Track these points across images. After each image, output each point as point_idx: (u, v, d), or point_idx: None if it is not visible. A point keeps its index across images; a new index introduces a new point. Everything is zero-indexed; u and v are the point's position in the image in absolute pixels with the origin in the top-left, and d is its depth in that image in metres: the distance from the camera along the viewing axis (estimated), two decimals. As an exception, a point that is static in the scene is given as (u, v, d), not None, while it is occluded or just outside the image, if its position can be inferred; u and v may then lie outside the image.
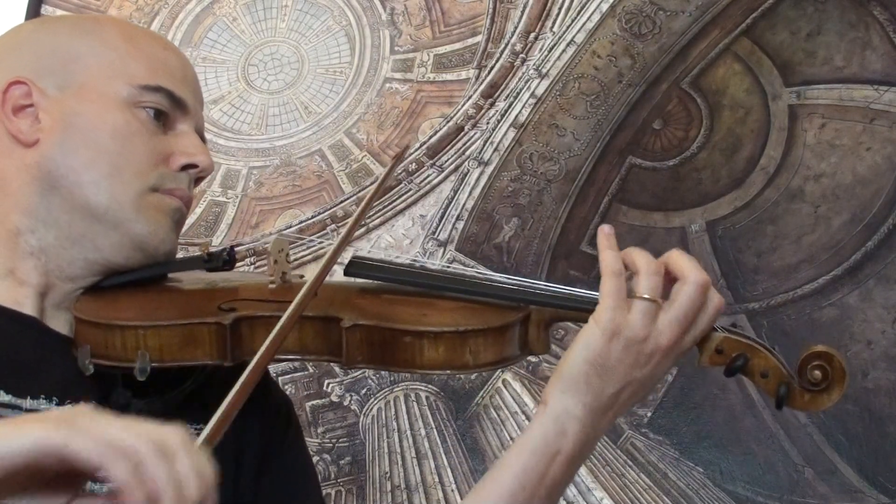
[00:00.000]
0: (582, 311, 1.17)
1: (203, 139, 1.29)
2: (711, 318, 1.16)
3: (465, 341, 1.13)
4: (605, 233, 1.16)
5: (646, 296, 1.13)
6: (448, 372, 1.16)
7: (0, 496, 0.81)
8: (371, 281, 1.25)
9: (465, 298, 1.20)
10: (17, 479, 0.80)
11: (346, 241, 1.19)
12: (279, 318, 1.13)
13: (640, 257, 1.15)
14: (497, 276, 1.26)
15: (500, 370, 2.48)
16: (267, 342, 1.03)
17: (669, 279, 1.16)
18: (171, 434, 0.82)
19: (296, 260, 2.55)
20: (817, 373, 1.16)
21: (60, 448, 0.79)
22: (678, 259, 1.15)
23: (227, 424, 0.93)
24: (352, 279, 1.23)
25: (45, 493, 0.82)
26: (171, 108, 1.25)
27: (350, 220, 1.21)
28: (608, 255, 1.14)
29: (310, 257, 2.61)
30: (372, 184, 1.24)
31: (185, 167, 1.25)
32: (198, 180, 1.28)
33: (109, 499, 0.80)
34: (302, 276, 1.27)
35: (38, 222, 1.20)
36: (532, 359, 2.51)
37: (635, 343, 1.12)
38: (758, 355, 1.17)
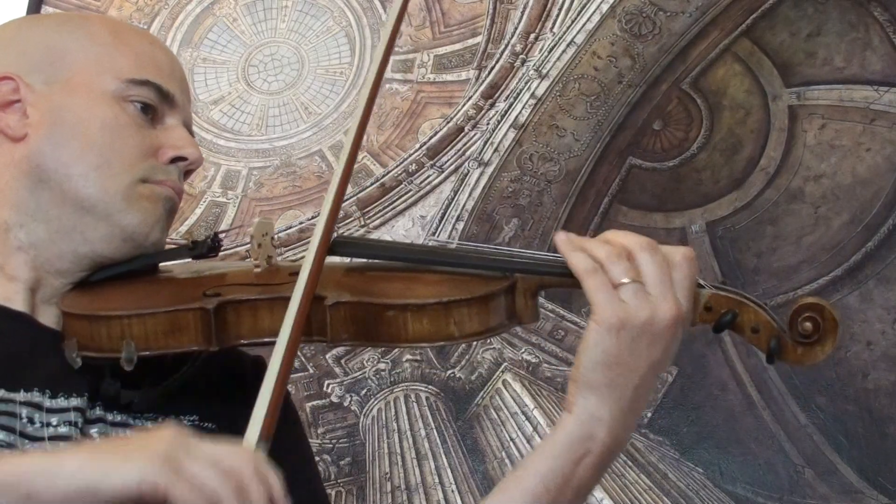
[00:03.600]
0: (567, 276, 1.15)
1: (191, 133, 1.30)
2: (688, 270, 1.13)
3: (450, 312, 1.12)
4: (562, 239, 1.15)
5: (625, 280, 1.11)
6: (435, 344, 1.16)
7: None
8: (358, 261, 1.25)
9: (451, 271, 1.20)
10: None
11: (340, 197, 1.18)
12: (264, 300, 1.14)
13: (597, 248, 1.13)
14: (483, 248, 1.26)
15: (498, 362, 2.49)
16: (287, 329, 1.05)
17: None
18: (241, 459, 0.94)
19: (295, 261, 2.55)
20: (808, 324, 1.14)
21: (162, 492, 0.89)
22: (615, 239, 1.14)
23: (275, 419, 1.02)
24: (339, 260, 1.23)
25: None
26: (158, 101, 1.25)
27: (342, 160, 1.20)
28: (575, 257, 1.13)
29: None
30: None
31: (175, 160, 1.25)
32: (187, 174, 1.28)
33: None
34: (282, 255, 1.27)
35: (27, 217, 1.21)
36: (532, 359, 2.51)
37: (643, 327, 1.10)
38: (747, 310, 1.15)
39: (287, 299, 1.11)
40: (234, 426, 1.21)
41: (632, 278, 1.11)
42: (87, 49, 1.25)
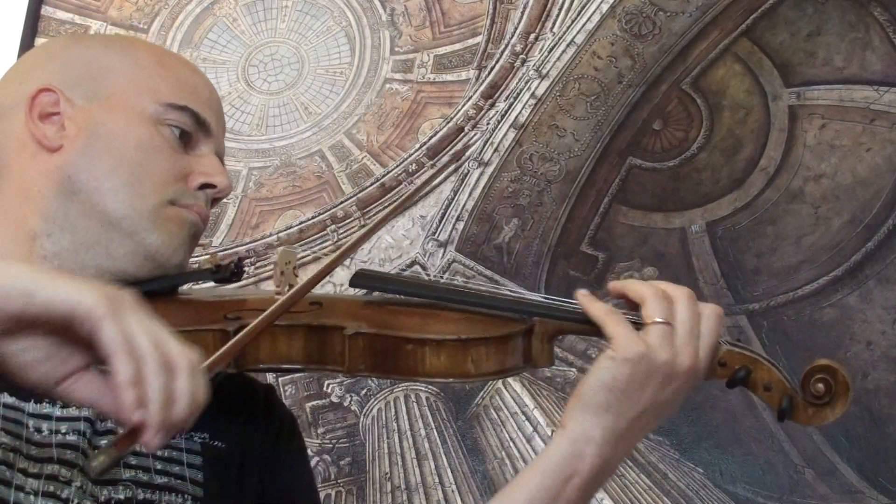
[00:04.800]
0: (586, 324, 1.19)
1: (223, 164, 1.32)
2: (715, 326, 1.18)
3: (467, 350, 1.14)
4: (582, 293, 1.20)
5: (659, 319, 1.15)
6: (450, 380, 1.18)
7: (23, 334, 0.85)
8: (377, 294, 1.27)
9: (470, 310, 1.22)
10: (47, 325, 0.85)
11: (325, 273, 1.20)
12: (283, 327, 1.15)
13: (642, 287, 1.18)
14: (502, 289, 1.28)
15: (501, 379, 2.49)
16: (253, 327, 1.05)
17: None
18: (182, 353, 0.88)
19: (297, 260, 2.55)
20: (820, 386, 1.17)
21: (91, 324, 0.83)
22: (659, 284, 1.19)
23: (230, 357, 0.99)
24: (359, 292, 1.25)
25: (68, 348, 0.86)
26: (194, 129, 1.28)
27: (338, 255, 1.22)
28: (595, 307, 1.18)
29: (310, 258, 2.61)
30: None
31: (203, 186, 1.27)
32: (214, 201, 1.30)
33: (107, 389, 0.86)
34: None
35: (55, 226, 1.22)
36: (532, 359, 2.51)
37: (661, 366, 1.14)
38: (760, 368, 1.19)
39: (307, 327, 1.13)
40: (243, 447, 1.23)
41: (667, 320, 1.15)
42: (129, 70, 1.28)
